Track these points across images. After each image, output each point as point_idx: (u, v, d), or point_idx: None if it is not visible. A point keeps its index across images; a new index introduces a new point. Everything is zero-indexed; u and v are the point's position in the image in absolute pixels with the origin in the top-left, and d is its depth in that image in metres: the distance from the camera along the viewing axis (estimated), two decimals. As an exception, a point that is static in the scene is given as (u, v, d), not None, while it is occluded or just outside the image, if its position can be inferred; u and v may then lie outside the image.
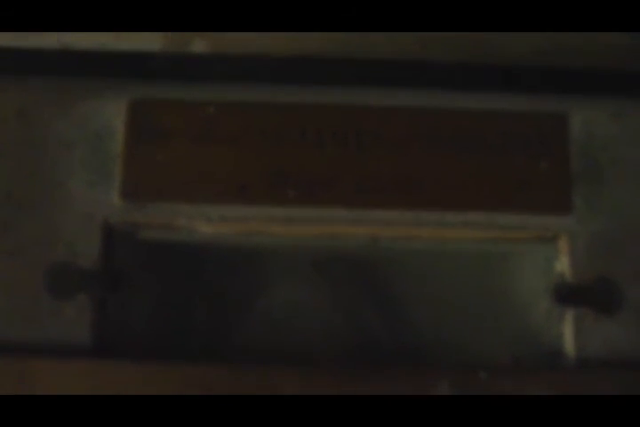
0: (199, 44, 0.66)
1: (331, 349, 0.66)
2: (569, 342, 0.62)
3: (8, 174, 0.64)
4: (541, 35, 0.65)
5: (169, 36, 0.66)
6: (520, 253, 0.67)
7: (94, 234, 0.63)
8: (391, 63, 0.65)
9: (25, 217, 0.63)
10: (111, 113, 0.65)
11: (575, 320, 0.62)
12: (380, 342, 0.67)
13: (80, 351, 0.60)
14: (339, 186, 0.63)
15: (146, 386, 0.58)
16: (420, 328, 0.67)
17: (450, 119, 0.65)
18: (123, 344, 0.63)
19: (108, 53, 0.65)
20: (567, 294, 0.63)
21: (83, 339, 0.60)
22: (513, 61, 0.66)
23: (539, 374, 0.60)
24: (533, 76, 0.65)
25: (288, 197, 0.63)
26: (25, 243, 0.62)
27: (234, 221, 0.63)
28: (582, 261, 0.63)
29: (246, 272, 0.68)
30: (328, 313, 0.67)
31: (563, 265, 0.64)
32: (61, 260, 0.62)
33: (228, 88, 0.65)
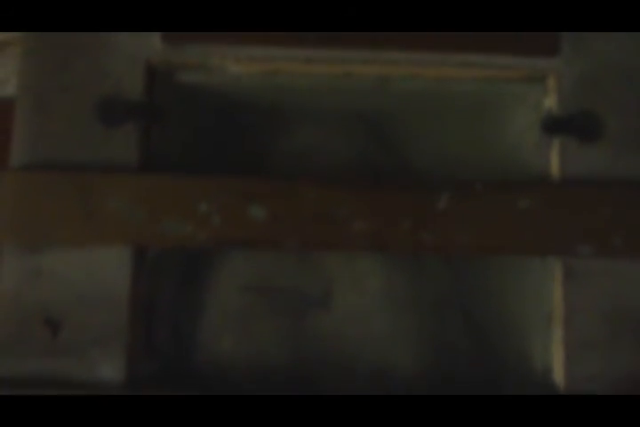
0: None
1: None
2: (555, 167, 0.71)
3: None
4: None
5: None
6: (513, 93, 0.75)
7: (138, 72, 0.71)
8: None
9: (77, 59, 0.71)
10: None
11: (561, 148, 0.71)
12: (387, 174, 0.76)
13: (127, 169, 0.69)
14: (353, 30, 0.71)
15: (182, 196, 0.68)
16: (422, 161, 0.76)
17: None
18: (163, 165, 0.72)
19: None
20: (554, 125, 0.71)
21: (130, 159, 0.69)
22: None
23: (529, 188, 0.69)
24: None
25: (308, 39, 0.71)
26: (77, 80, 0.71)
27: (260, 61, 0.72)
28: (568, 98, 0.72)
29: (270, 112, 0.76)
30: (341, 150, 0.76)
31: (551, 102, 0.72)
32: (110, 94, 0.71)
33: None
